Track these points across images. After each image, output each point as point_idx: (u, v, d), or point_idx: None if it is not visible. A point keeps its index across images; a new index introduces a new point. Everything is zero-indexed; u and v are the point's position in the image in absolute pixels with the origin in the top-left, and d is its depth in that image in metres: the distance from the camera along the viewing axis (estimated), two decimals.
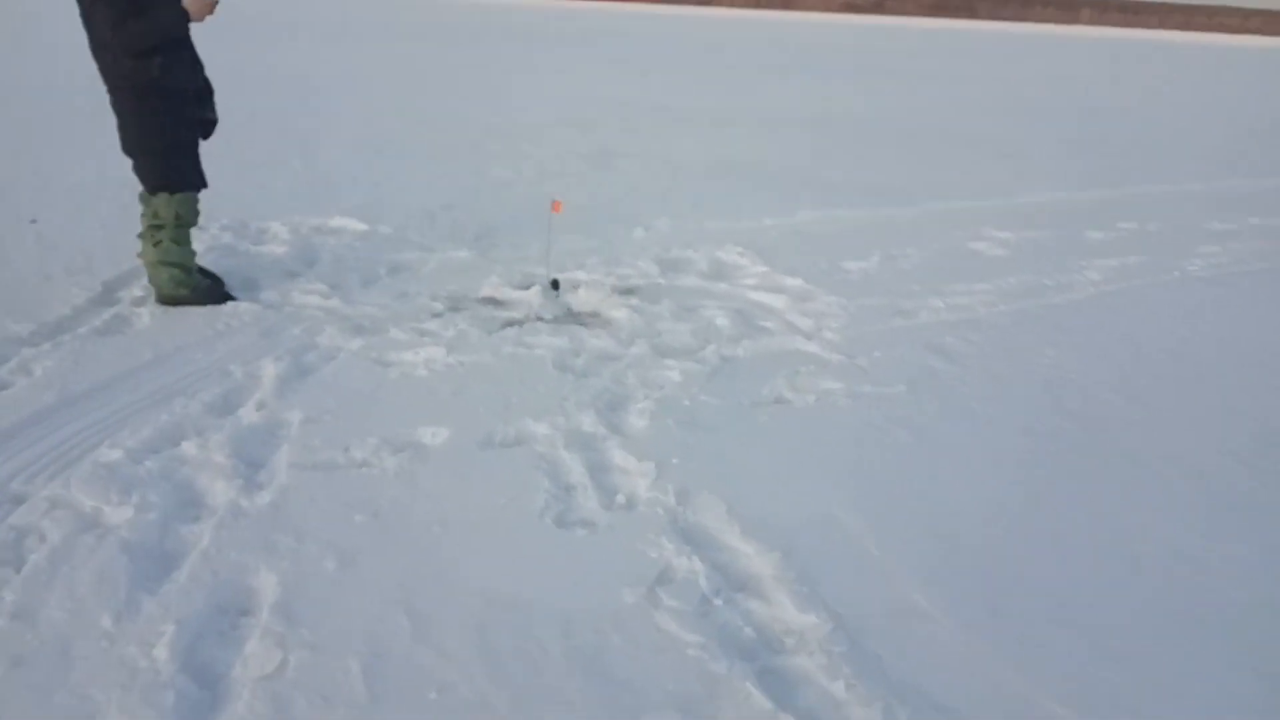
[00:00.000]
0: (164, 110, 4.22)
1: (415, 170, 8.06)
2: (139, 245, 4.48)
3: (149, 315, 4.29)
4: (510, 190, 7.61)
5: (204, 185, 4.51)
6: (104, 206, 6.12)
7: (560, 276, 5.21)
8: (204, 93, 4.50)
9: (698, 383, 3.90)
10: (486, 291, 5.02)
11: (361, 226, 6.10)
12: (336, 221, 6.18)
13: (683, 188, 8.05)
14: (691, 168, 9.03)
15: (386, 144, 9.15)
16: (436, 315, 4.64)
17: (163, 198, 4.35)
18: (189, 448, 3.07)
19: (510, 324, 4.59)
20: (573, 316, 4.79)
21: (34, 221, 5.73)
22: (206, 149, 4.47)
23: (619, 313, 4.75)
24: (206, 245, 5.35)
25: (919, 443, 3.46)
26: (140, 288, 4.59)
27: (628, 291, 5.19)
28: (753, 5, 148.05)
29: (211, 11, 4.19)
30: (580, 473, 3.08)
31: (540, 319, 4.68)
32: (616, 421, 3.54)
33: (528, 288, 5.06)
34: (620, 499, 2.95)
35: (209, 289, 4.51)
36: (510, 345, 4.17)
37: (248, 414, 3.37)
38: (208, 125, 4.58)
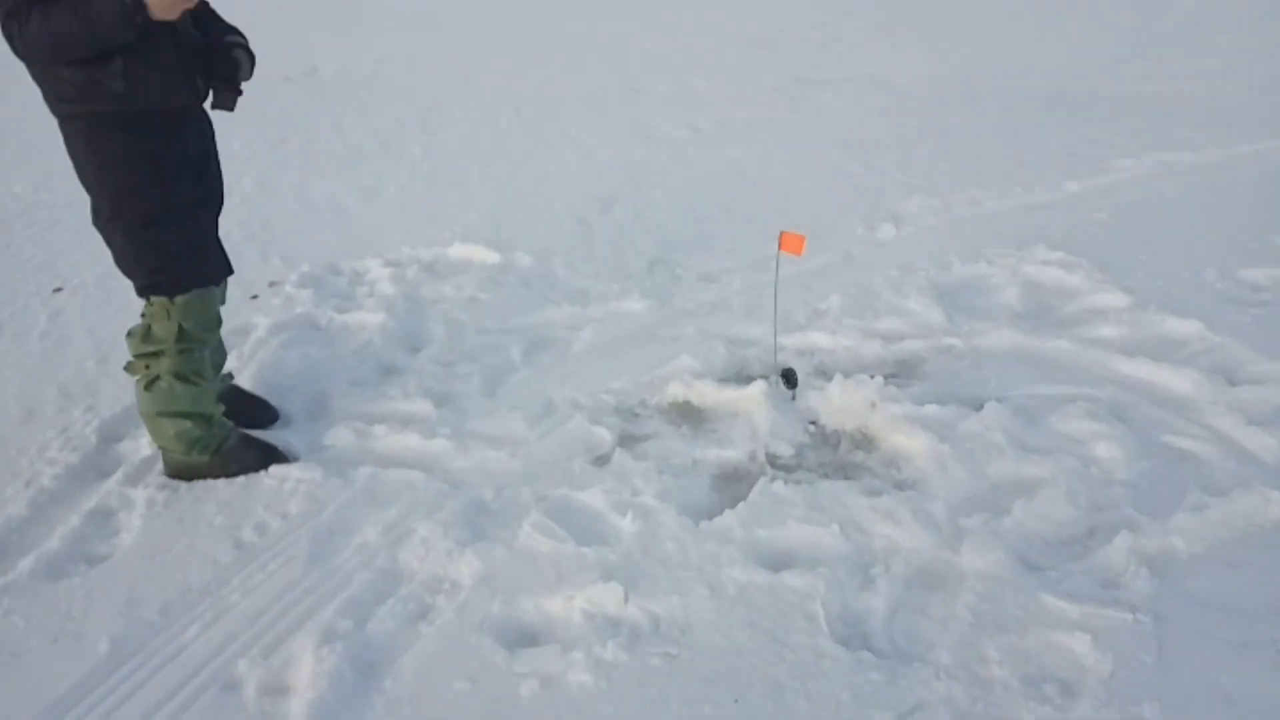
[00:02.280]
0: (133, 152, 2.45)
1: (562, 139, 6.14)
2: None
3: (142, 511, 2.62)
4: (686, 160, 5.58)
5: (226, 272, 2.77)
6: None
7: (786, 339, 3.23)
8: (219, 65, 2.58)
9: None
10: (677, 390, 3.09)
11: (491, 257, 4.28)
12: (457, 251, 4.38)
13: (922, 134, 5.77)
14: (923, 96, 6.68)
15: (525, 100, 7.24)
16: (599, 460, 2.77)
17: (158, 305, 2.63)
18: None
19: (725, 478, 2.67)
20: (828, 448, 2.80)
21: (58, 290, 4.21)
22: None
23: (911, 440, 2.72)
24: (274, 320, 3.66)
25: None
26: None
27: (907, 373, 3.14)
28: None
29: (190, 3, 2.33)
30: None
31: (775, 462, 2.73)
32: None
33: (744, 382, 3.10)
34: None
35: (239, 449, 2.78)
36: (740, 564, 2.25)
37: None
38: (225, 98, 2.63)
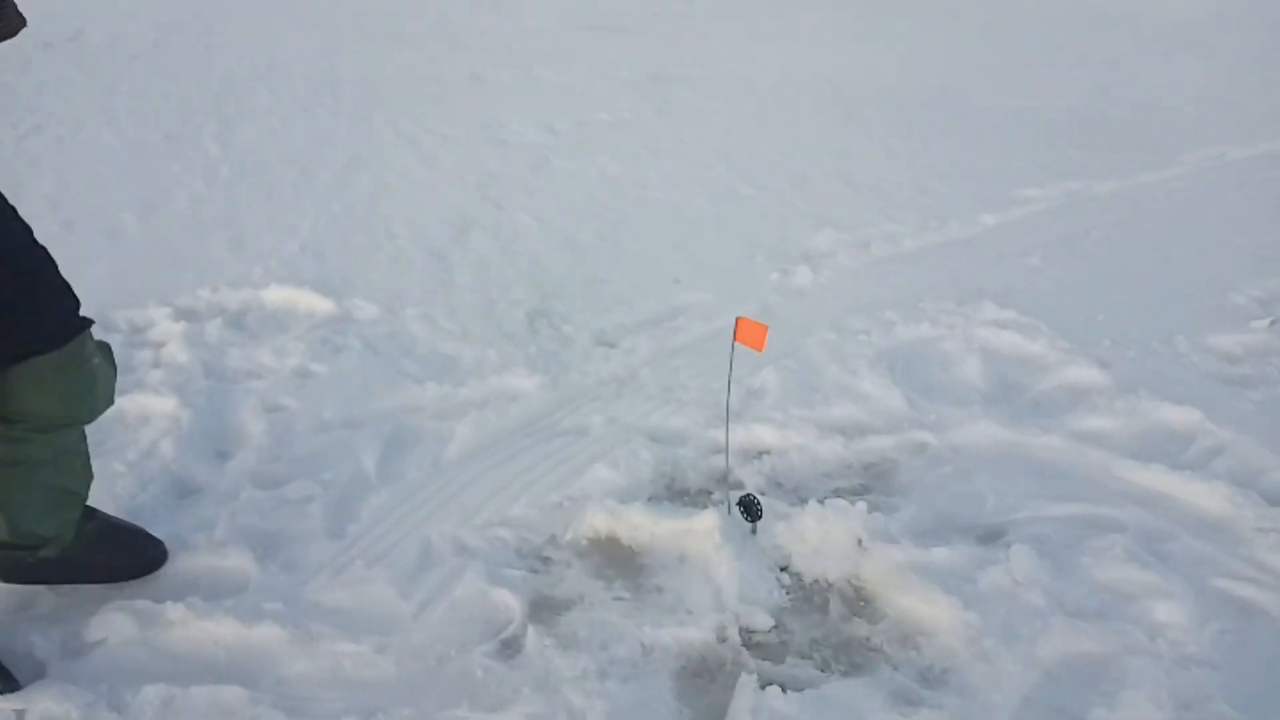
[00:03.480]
0: None
1: (395, 137, 5.15)
2: None
3: None
4: (550, 172, 4.76)
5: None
6: None
7: (721, 433, 2.50)
8: None
9: None
10: (598, 521, 2.31)
11: (322, 306, 3.33)
12: (275, 296, 3.40)
13: (808, 148, 5.20)
14: (794, 101, 6.11)
15: (344, 84, 6.15)
16: (507, 649, 1.97)
17: None
18: None
19: (692, 676, 1.93)
20: (815, 612, 2.11)
21: None
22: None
23: (927, 604, 2.07)
24: None
25: None
26: None
27: (883, 486, 2.50)
28: None
29: None
30: None
31: (751, 642, 2.00)
32: None
33: (680, 501, 2.37)
34: None
35: None
36: None
37: None
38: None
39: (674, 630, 2.00)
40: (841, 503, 2.30)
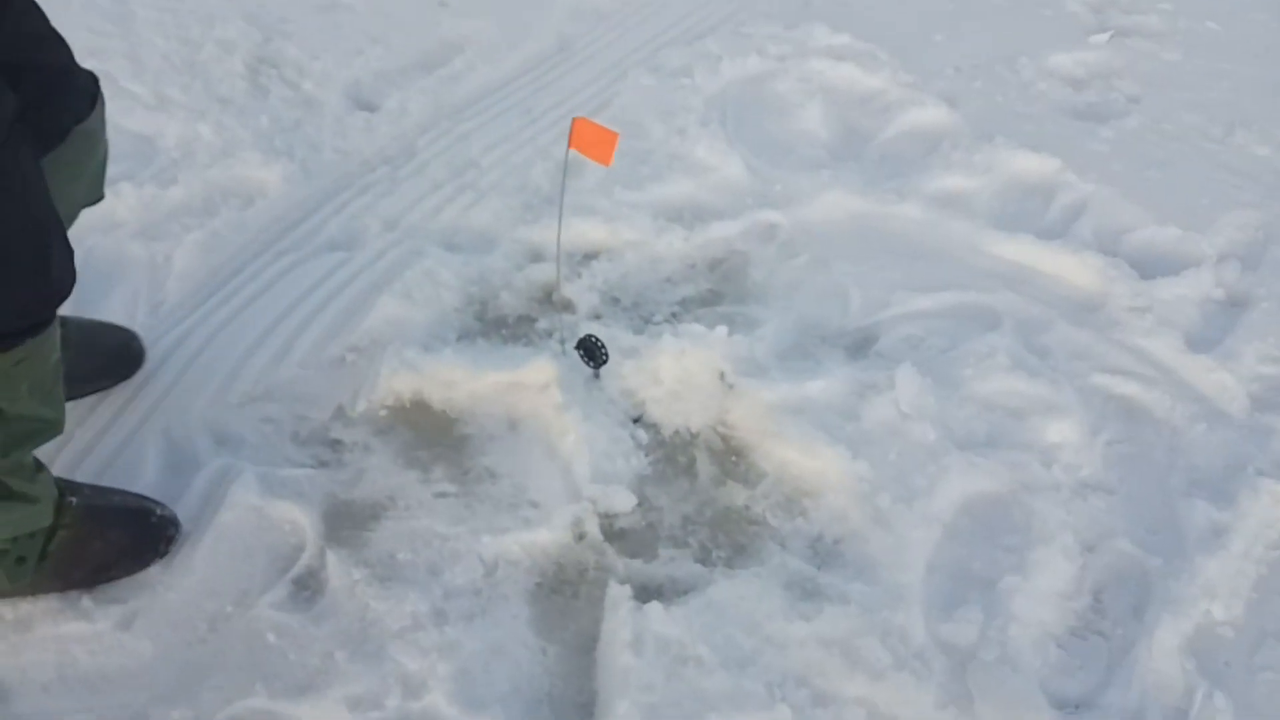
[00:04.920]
0: None
1: None
2: None
3: None
4: None
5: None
6: None
7: (533, 232, 2.03)
8: None
9: None
10: (398, 382, 1.79)
11: None
12: None
13: None
14: None
15: None
16: (303, 591, 1.50)
17: None
18: None
19: (549, 595, 1.56)
20: (683, 477, 1.76)
21: None
22: None
23: (809, 457, 1.75)
24: None
25: None
26: None
27: (735, 291, 2.11)
28: None
29: None
30: None
31: (613, 531, 1.64)
32: None
33: (496, 337, 1.90)
34: None
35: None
36: None
37: None
38: None
39: (519, 535, 1.59)
40: (697, 328, 1.89)
